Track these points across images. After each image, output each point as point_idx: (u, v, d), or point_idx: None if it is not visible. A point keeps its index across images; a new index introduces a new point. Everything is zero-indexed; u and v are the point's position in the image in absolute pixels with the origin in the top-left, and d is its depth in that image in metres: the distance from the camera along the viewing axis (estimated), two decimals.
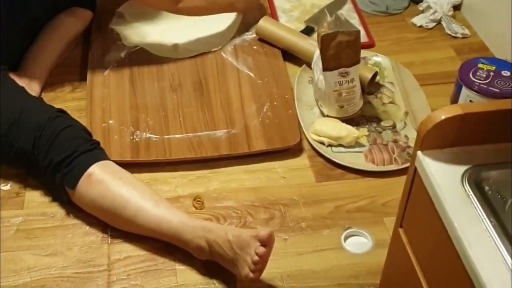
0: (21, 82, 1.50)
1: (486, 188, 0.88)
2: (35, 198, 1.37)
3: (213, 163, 1.43)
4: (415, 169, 0.95)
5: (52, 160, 1.28)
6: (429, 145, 0.94)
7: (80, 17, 1.78)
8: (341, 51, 1.41)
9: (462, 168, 0.91)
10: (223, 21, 1.78)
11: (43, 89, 1.63)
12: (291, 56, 1.71)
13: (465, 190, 0.87)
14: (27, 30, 1.60)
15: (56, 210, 1.35)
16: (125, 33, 1.79)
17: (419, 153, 0.94)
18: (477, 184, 0.88)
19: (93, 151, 1.31)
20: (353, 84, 1.46)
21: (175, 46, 1.72)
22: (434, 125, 0.91)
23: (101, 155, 1.32)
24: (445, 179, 0.90)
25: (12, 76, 1.51)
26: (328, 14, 1.46)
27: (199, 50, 1.72)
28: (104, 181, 1.26)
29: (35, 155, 1.30)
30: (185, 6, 1.62)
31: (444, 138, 0.93)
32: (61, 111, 1.38)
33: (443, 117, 0.91)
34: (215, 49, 1.73)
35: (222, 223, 1.31)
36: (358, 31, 1.42)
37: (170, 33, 1.77)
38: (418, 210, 0.95)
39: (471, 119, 0.91)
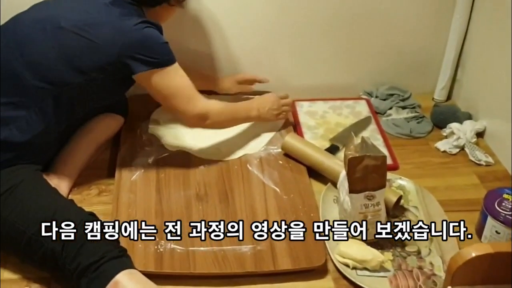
0: (50, 182, 1.53)
1: None
2: None
3: (237, 280, 1.40)
4: None
5: (80, 263, 1.28)
6: (459, 282, 0.94)
7: (112, 123, 1.85)
8: (367, 174, 1.43)
9: None
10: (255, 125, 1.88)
11: (71, 190, 1.66)
12: (316, 173, 1.73)
13: None
14: (64, 133, 1.65)
15: None
16: (164, 137, 1.85)
17: None
18: None
19: (121, 258, 1.31)
20: (378, 207, 1.47)
21: (218, 149, 1.79)
22: (464, 262, 0.91)
23: (128, 263, 1.32)
24: None
25: (44, 176, 1.54)
26: (354, 136, 1.50)
27: (239, 153, 1.79)
28: None
29: (63, 257, 1.30)
30: (212, 122, 1.66)
31: (474, 275, 0.93)
32: (92, 214, 1.40)
33: (473, 255, 0.91)
34: (253, 152, 1.80)
35: None
36: (385, 157, 1.44)
37: (208, 134, 1.83)
38: None
39: (502, 258, 0.92)
